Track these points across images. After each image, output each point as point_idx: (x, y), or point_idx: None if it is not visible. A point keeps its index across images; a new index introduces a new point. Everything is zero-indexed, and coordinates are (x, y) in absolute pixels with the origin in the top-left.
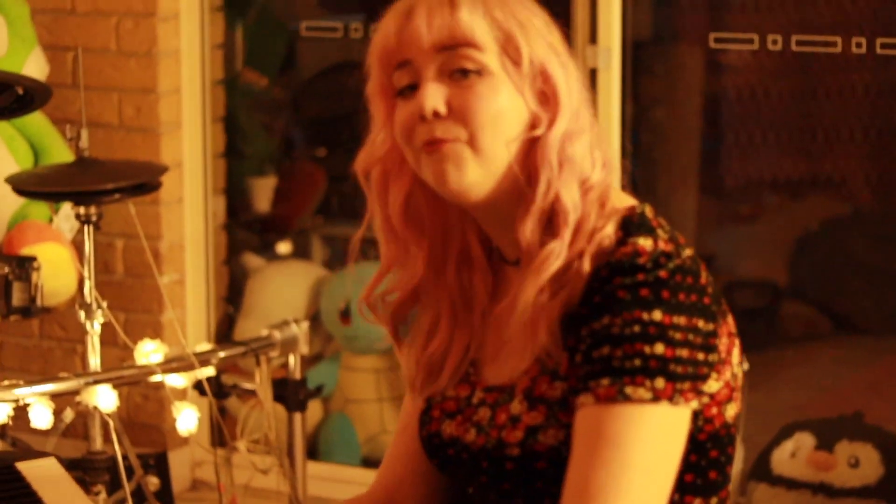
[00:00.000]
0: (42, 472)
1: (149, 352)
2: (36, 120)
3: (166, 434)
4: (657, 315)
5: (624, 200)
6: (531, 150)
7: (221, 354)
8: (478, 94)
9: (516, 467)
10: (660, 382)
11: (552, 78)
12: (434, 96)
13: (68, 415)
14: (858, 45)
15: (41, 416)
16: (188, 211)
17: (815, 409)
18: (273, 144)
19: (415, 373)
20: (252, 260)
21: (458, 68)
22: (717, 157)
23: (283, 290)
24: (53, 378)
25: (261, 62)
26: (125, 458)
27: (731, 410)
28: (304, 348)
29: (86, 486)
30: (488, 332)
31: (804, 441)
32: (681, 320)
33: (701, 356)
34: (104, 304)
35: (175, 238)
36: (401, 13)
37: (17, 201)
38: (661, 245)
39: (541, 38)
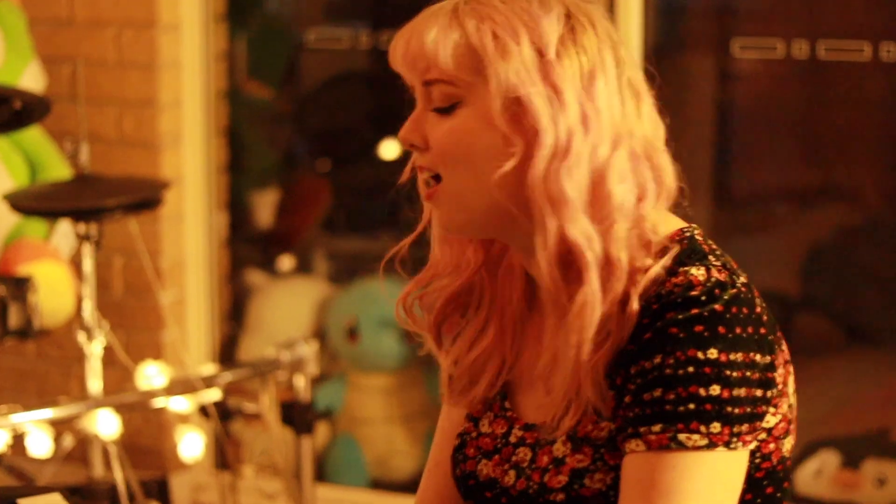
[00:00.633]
0: None
1: (151, 375)
2: (33, 134)
3: (168, 457)
4: (713, 353)
5: (670, 223)
6: (519, 182)
7: (227, 377)
8: (450, 131)
9: None
10: (716, 427)
11: (527, 105)
12: (407, 130)
13: (68, 441)
14: (872, 51)
15: (40, 444)
16: (190, 227)
17: (835, 425)
18: (276, 157)
19: (455, 375)
20: (255, 276)
21: (434, 106)
22: (727, 166)
23: (288, 307)
24: (52, 402)
25: (264, 73)
26: (127, 484)
27: (789, 444)
28: (312, 368)
29: None
30: (524, 352)
31: (829, 460)
32: (738, 357)
33: (759, 392)
34: (106, 327)
35: (176, 255)
36: (395, 40)
37: (13, 219)
38: (715, 274)
39: (522, 59)
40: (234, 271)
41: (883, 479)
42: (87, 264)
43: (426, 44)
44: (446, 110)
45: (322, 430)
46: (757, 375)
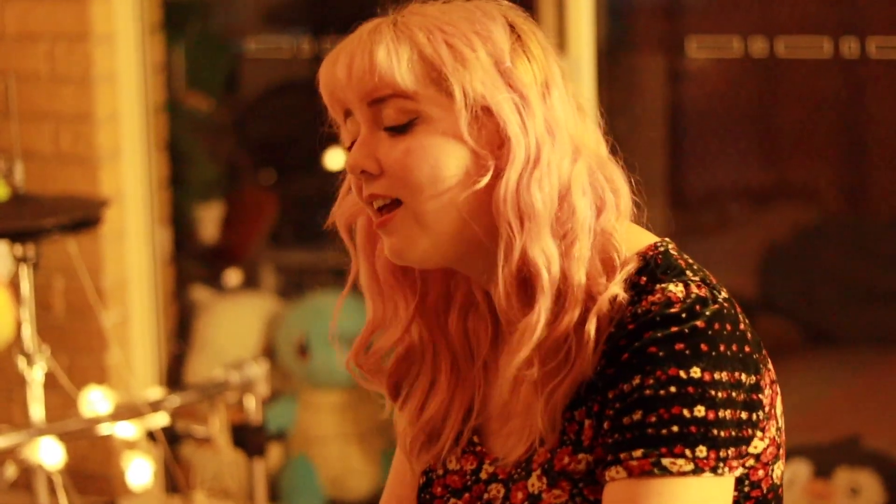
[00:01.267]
0: None
1: (96, 400)
2: None
3: (116, 483)
4: (696, 372)
5: (640, 238)
6: (486, 201)
7: (174, 401)
8: (410, 150)
9: None
10: (701, 450)
11: (496, 114)
12: (358, 154)
13: (11, 471)
14: (833, 47)
15: None
16: (132, 244)
17: (802, 432)
18: (219, 170)
19: (411, 437)
20: (201, 293)
21: (387, 125)
22: (680, 166)
23: (236, 324)
24: None
25: (204, 83)
26: None
27: (779, 470)
28: (263, 389)
29: None
30: (491, 391)
31: (800, 470)
32: (722, 376)
33: (745, 415)
34: (47, 352)
35: (118, 274)
36: (329, 63)
37: None
38: (694, 290)
39: (482, 67)
40: (179, 289)
41: (856, 488)
42: (25, 287)
43: (377, 59)
44: (402, 128)
45: (275, 451)
46: (742, 396)
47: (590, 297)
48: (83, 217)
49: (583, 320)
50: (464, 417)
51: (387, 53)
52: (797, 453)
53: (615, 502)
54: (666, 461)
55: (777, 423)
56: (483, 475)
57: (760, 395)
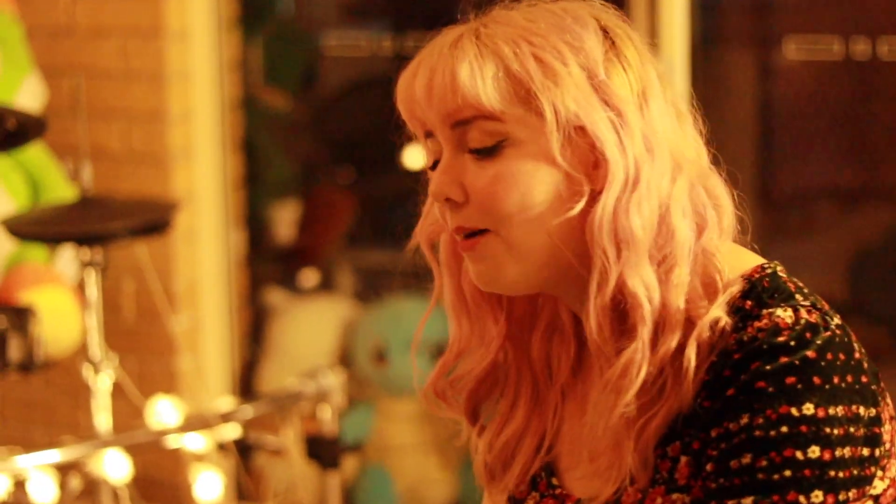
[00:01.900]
0: None
1: (164, 411)
2: (34, 152)
3: (184, 493)
4: (808, 409)
5: (745, 259)
6: (580, 226)
7: (246, 412)
8: (498, 177)
9: None
10: (818, 496)
11: (592, 134)
12: (442, 182)
13: (75, 483)
14: None
15: (44, 489)
16: (204, 246)
17: None
18: (295, 169)
19: (490, 462)
20: (275, 296)
21: (472, 148)
22: (770, 166)
23: (311, 328)
24: (56, 443)
25: (281, 80)
26: None
27: None
28: (338, 399)
29: None
30: (565, 425)
31: None
32: (838, 410)
33: (866, 451)
34: (115, 361)
35: (190, 276)
36: (407, 78)
37: (13, 244)
38: (804, 315)
39: (575, 82)
40: (253, 291)
41: None
42: (92, 292)
43: (460, 78)
44: (489, 151)
45: (350, 461)
46: (862, 431)
47: (689, 322)
48: (153, 220)
49: (681, 347)
50: (536, 449)
51: (470, 71)
52: None
53: None
54: None
55: None
56: None
57: (882, 429)
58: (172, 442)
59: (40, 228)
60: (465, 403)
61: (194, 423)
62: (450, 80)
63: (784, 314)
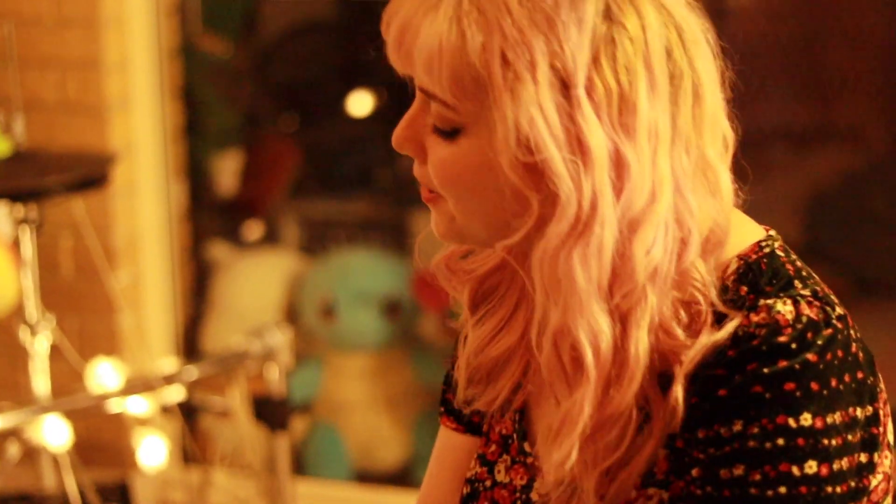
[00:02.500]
0: None
1: (105, 374)
2: None
3: (129, 455)
4: (806, 419)
5: (743, 233)
6: (526, 243)
7: (190, 373)
8: (449, 161)
9: None
10: None
11: (542, 163)
12: (401, 136)
13: (14, 452)
14: None
15: None
16: (144, 199)
17: None
18: (237, 118)
19: (472, 368)
20: (219, 249)
21: (433, 123)
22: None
23: (256, 283)
24: None
25: (221, 25)
26: (81, 492)
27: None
28: (286, 358)
29: None
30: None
31: None
32: (836, 418)
33: (864, 458)
34: (53, 322)
35: (129, 232)
36: (385, 19)
37: None
38: (805, 310)
39: (539, 94)
40: (196, 246)
41: None
42: (28, 250)
43: (422, 56)
44: (446, 134)
45: (298, 420)
46: (859, 436)
47: (665, 357)
48: (90, 174)
49: (662, 385)
50: (520, 376)
51: (437, 51)
52: None
53: None
54: None
55: (891, 452)
56: (534, 496)
57: (878, 429)
58: (115, 406)
59: None
60: (471, 287)
61: (137, 385)
62: (410, 43)
63: (784, 308)
